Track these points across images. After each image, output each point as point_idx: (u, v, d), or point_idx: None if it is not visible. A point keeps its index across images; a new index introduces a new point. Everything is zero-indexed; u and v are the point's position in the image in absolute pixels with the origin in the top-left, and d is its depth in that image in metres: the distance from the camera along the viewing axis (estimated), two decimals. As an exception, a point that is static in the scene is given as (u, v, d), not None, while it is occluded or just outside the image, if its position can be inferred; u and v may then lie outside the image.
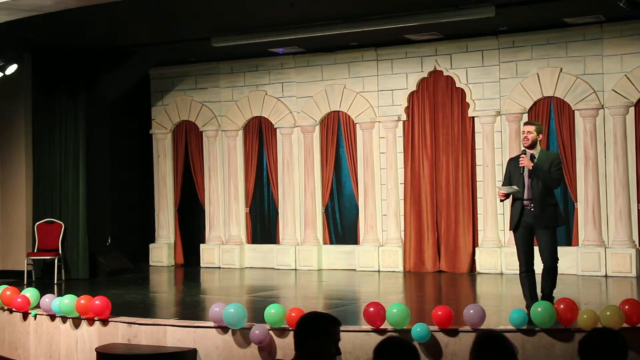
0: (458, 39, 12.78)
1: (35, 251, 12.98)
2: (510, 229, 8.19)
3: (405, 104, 13.23)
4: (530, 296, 7.94)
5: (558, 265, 8.01)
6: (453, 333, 7.46)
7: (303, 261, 13.80)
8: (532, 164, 7.84)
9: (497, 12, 10.73)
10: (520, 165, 7.90)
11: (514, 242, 12.38)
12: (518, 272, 8.16)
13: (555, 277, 8.00)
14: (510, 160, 8.27)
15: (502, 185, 8.11)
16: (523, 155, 7.92)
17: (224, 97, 14.68)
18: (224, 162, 14.61)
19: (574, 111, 12.17)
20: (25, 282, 12.44)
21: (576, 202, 12.13)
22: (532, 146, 7.99)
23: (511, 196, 8.07)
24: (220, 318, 8.02)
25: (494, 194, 12.61)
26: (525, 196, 7.90)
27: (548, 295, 7.91)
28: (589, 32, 12.06)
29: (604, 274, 11.77)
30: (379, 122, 13.38)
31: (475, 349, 3.55)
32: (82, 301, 8.83)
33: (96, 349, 8.47)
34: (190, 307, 10.19)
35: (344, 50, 13.60)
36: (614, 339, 3.44)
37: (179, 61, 14.69)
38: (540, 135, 8.05)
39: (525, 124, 8.23)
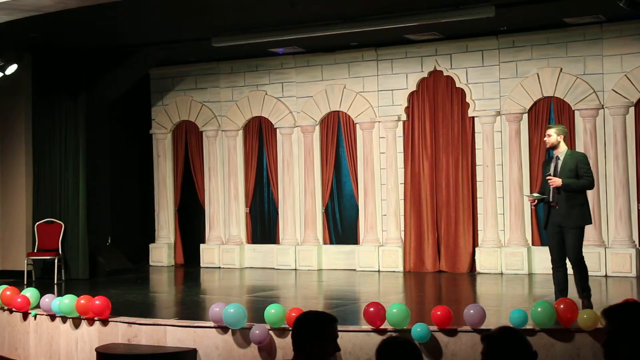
0: (458, 39, 12.78)
1: (35, 251, 12.98)
2: (543, 228, 8.56)
3: (405, 104, 13.23)
4: (559, 290, 8.23)
5: (585, 263, 8.38)
6: (453, 333, 7.46)
7: (303, 261, 13.80)
8: (562, 182, 8.11)
9: (497, 12, 10.73)
10: (552, 186, 8.18)
11: (514, 242, 12.55)
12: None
13: (583, 272, 8.30)
14: (543, 163, 8.72)
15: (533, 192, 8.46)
16: (550, 177, 8.20)
17: (224, 97, 14.69)
18: (224, 162, 14.61)
19: (574, 111, 12.18)
20: (25, 282, 12.44)
21: (576, 202, 12.11)
22: (554, 148, 8.31)
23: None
24: (220, 318, 8.02)
25: (494, 194, 12.62)
26: (551, 198, 8.22)
27: (581, 292, 8.26)
28: (589, 32, 12.06)
29: (604, 274, 11.77)
30: (379, 122, 13.39)
31: (492, 342, 3.52)
32: (82, 301, 8.83)
33: (96, 349, 8.47)
34: (190, 307, 10.19)
35: (344, 50, 13.60)
36: None
37: (179, 61, 14.69)
38: (562, 136, 8.31)
39: (547, 127, 8.60)
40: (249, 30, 12.11)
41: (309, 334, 3.81)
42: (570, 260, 8.25)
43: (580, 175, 8.21)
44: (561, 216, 8.16)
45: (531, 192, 12.25)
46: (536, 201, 8.49)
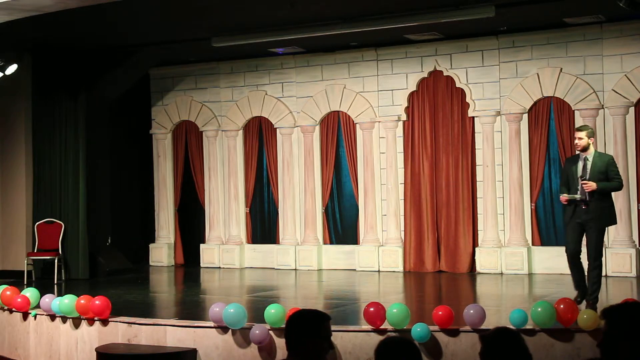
0: (458, 39, 12.78)
1: (35, 251, 12.98)
2: (564, 224, 8.87)
3: (405, 104, 13.23)
4: (577, 286, 8.49)
5: (599, 264, 8.54)
6: (453, 333, 7.47)
7: (303, 261, 13.80)
8: (596, 187, 8.37)
9: (497, 12, 10.73)
10: (586, 190, 8.40)
11: (514, 242, 12.54)
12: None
13: (598, 274, 8.49)
14: (567, 160, 9.02)
15: (562, 191, 8.74)
16: (586, 182, 8.40)
17: (224, 97, 14.69)
18: (224, 162, 14.61)
19: (574, 111, 12.17)
20: (25, 282, 12.44)
21: (576, 202, 12.11)
22: (584, 150, 8.57)
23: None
24: (220, 318, 8.03)
25: (494, 194, 12.62)
26: (582, 197, 8.48)
27: (590, 294, 8.41)
28: (588, 32, 12.06)
29: (604, 274, 11.71)
30: (379, 122, 13.39)
31: (489, 343, 3.53)
32: (82, 301, 8.83)
33: (96, 349, 8.47)
34: (190, 307, 10.19)
35: (344, 50, 13.60)
36: None
37: (179, 61, 14.69)
38: (592, 139, 8.62)
39: (576, 129, 8.85)
40: (249, 30, 12.11)
41: (306, 332, 3.79)
42: (589, 257, 8.47)
43: (611, 178, 8.50)
44: (590, 215, 8.42)
45: (532, 192, 12.31)
46: (568, 202, 8.79)
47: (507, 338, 3.53)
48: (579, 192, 8.46)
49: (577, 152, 8.63)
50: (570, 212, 8.57)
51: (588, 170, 8.49)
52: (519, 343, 3.52)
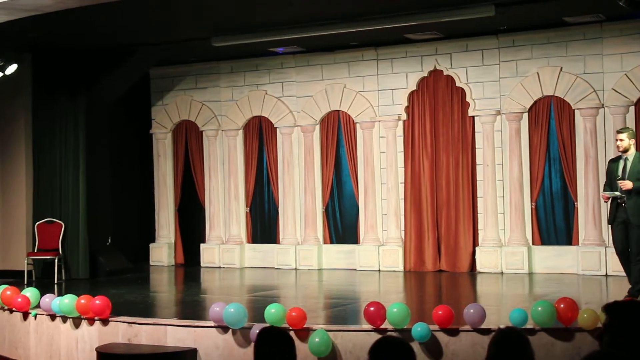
0: (458, 38, 12.77)
1: (35, 251, 12.98)
2: (608, 223, 9.32)
3: (406, 104, 13.23)
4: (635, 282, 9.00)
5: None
6: (453, 332, 7.47)
7: (303, 261, 13.80)
8: (632, 186, 8.76)
9: (497, 11, 10.73)
10: (623, 189, 8.82)
11: (514, 242, 12.55)
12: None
13: None
14: (610, 161, 9.47)
15: (605, 190, 9.28)
16: (622, 181, 8.84)
17: (224, 96, 14.68)
18: (224, 161, 14.60)
19: (574, 110, 12.17)
20: (25, 282, 12.45)
21: (576, 201, 12.14)
22: (625, 151, 9.00)
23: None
24: (221, 318, 8.03)
25: (494, 193, 12.62)
26: (619, 195, 8.90)
27: (632, 287, 8.95)
28: (589, 31, 12.06)
29: (604, 274, 11.75)
30: (379, 121, 13.38)
31: (495, 343, 3.54)
32: (83, 301, 8.84)
33: (96, 349, 8.47)
34: (191, 307, 10.19)
35: (344, 49, 13.60)
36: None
37: (179, 61, 14.69)
38: (633, 140, 9.02)
39: (617, 131, 9.31)
40: (249, 30, 12.11)
41: (275, 346, 3.75)
42: (632, 253, 8.87)
43: None
44: (628, 214, 8.81)
45: (532, 191, 12.32)
46: (608, 199, 9.17)
47: (514, 340, 3.54)
48: (619, 192, 8.87)
49: (619, 153, 9.05)
50: (613, 212, 8.98)
51: (627, 171, 8.87)
52: (526, 346, 3.53)
